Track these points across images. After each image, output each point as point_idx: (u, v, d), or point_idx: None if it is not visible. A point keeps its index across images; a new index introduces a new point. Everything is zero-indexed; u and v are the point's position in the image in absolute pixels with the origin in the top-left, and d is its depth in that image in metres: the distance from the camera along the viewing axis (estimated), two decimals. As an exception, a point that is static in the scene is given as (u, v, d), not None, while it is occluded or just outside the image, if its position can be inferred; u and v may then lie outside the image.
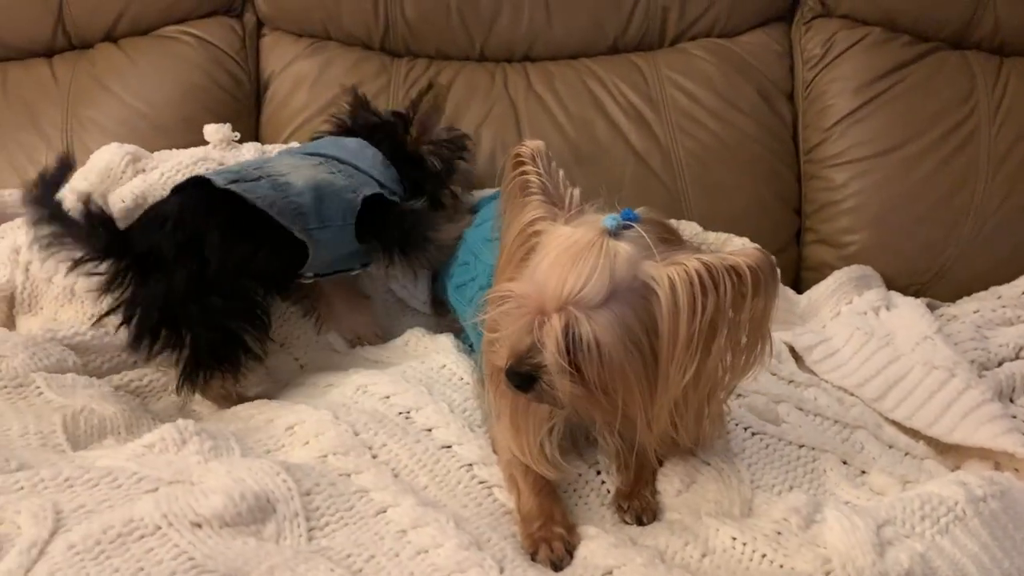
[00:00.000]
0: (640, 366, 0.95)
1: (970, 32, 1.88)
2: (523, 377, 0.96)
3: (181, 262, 1.22)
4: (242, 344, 1.26)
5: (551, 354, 0.94)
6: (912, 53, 1.86)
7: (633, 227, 0.97)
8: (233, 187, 1.27)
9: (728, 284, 0.93)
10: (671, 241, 1.03)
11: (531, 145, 1.05)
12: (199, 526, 0.95)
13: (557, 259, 0.94)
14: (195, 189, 1.32)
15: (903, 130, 1.82)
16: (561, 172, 1.07)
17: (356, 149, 1.47)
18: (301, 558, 0.94)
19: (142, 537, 0.93)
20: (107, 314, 1.26)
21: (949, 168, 1.80)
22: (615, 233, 0.95)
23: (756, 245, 0.99)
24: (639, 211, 1.01)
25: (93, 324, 1.33)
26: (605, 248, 0.93)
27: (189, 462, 1.05)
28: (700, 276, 0.93)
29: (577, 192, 1.05)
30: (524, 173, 1.04)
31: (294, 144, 1.67)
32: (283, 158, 1.44)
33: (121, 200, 1.45)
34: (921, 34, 1.88)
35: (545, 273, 0.94)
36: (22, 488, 0.99)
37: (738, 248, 0.98)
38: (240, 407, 1.28)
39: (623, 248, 0.94)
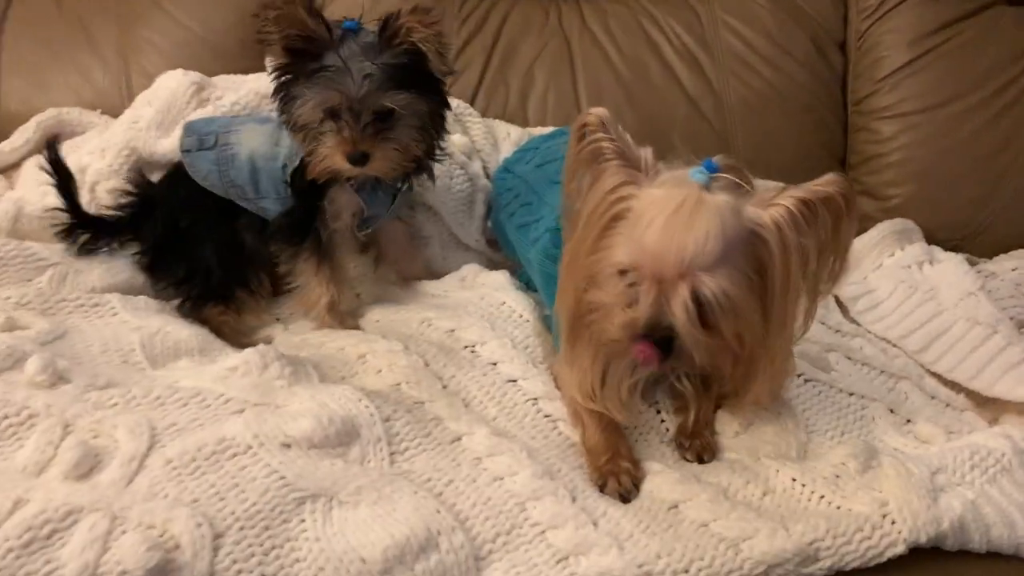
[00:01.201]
0: (759, 307, 1.00)
1: (1028, -12, 1.87)
2: (661, 344, 0.99)
3: (163, 212, 1.37)
4: (219, 279, 1.35)
5: (683, 321, 0.96)
6: (968, 8, 1.85)
7: (719, 176, 0.99)
8: (185, 156, 1.36)
9: (825, 214, 0.99)
10: (748, 181, 1.05)
11: (596, 112, 1.04)
12: (288, 447, 1.00)
13: (666, 225, 0.95)
14: None
15: (954, 86, 1.81)
16: (628, 136, 1.06)
17: None
18: (385, 480, 0.98)
19: (235, 455, 0.98)
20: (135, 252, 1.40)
21: (996, 126, 1.80)
22: (707, 186, 0.97)
23: (833, 172, 1.01)
24: (716, 160, 1.04)
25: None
26: (708, 206, 0.95)
27: (273, 386, 1.09)
28: (801, 212, 0.98)
29: (650, 152, 1.05)
30: (595, 141, 1.03)
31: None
32: (245, 122, 1.41)
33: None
34: (978, -12, 1.87)
35: (657, 241, 0.95)
36: (116, 404, 1.04)
37: (819, 180, 1.00)
38: (311, 335, 1.32)
39: (723, 201, 0.96)
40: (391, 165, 1.26)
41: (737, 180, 1.02)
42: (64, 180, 1.37)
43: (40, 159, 1.54)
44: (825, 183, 0.99)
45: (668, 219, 0.95)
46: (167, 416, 1.03)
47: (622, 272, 1.00)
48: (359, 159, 1.22)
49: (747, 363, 1.08)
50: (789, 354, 1.11)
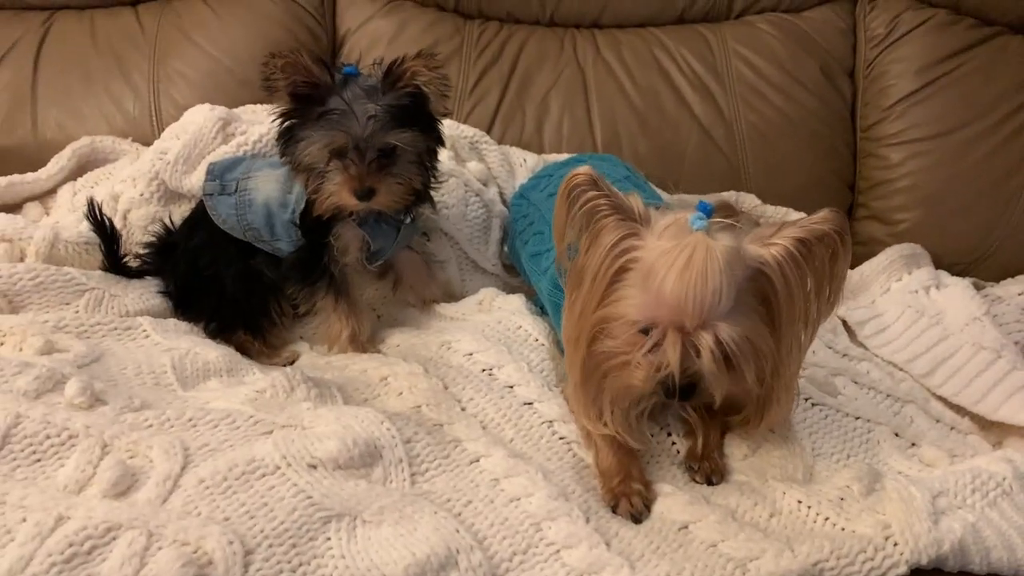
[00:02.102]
0: (770, 336, 1.05)
1: (1034, 17, 1.90)
2: (685, 391, 1.05)
3: (184, 255, 1.45)
4: (243, 310, 1.42)
5: (711, 368, 1.02)
6: (975, 37, 1.89)
7: (716, 220, 1.04)
8: (207, 199, 1.43)
9: (822, 250, 1.04)
10: (736, 214, 1.10)
11: (584, 171, 1.06)
12: (315, 467, 1.04)
13: (680, 279, 0.98)
14: None
15: (962, 113, 1.86)
16: (615, 187, 1.09)
17: None
18: (407, 500, 1.03)
19: (263, 476, 1.03)
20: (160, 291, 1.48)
21: (1004, 153, 1.84)
22: (708, 232, 1.01)
23: (828, 208, 1.06)
24: (708, 200, 1.08)
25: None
26: (716, 255, 0.98)
27: (299, 408, 1.14)
28: (799, 251, 1.03)
29: (639, 197, 1.09)
30: (588, 200, 1.06)
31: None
32: (262, 168, 1.46)
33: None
34: (985, 18, 1.91)
35: (674, 294, 0.99)
36: (151, 426, 1.09)
37: (814, 216, 1.05)
38: (335, 357, 1.37)
39: (728, 247, 1.00)
40: (394, 199, 1.32)
41: (728, 218, 1.07)
42: (106, 234, 1.46)
43: (75, 185, 1.63)
44: (821, 220, 1.04)
45: (681, 273, 0.99)
46: (199, 437, 1.08)
47: (643, 330, 1.04)
48: (365, 194, 1.28)
49: (764, 394, 1.12)
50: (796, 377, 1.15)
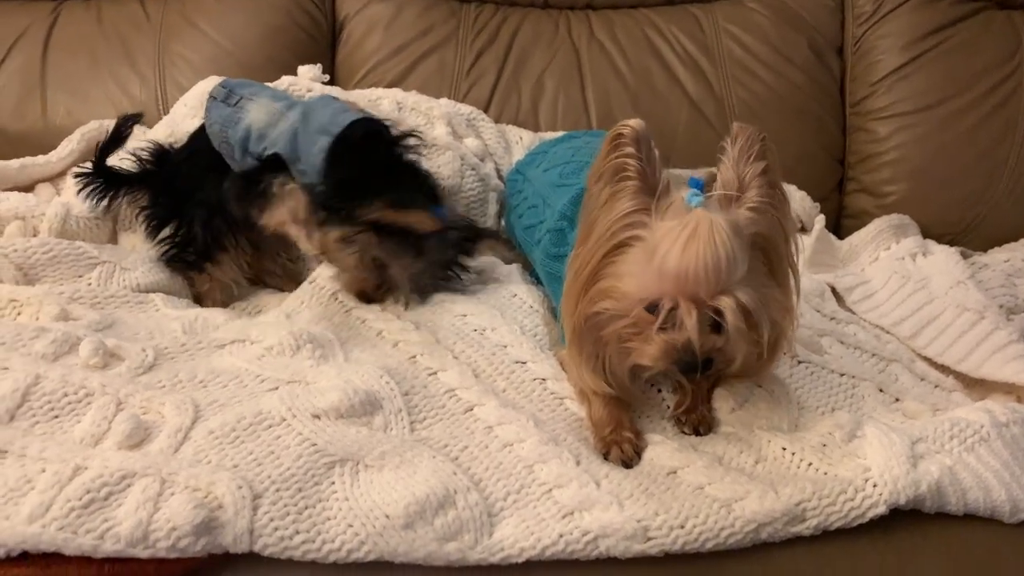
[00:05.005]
0: (776, 291, 1.10)
1: (1017, -8, 1.95)
2: (705, 364, 1.06)
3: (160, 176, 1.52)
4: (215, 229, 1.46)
5: (736, 329, 1.03)
6: (959, 12, 1.94)
7: (709, 194, 1.08)
8: (209, 102, 1.47)
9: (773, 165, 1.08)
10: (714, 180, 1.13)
11: (634, 125, 1.05)
12: (318, 417, 1.10)
13: (687, 252, 1.00)
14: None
15: (947, 87, 1.91)
16: (657, 152, 1.08)
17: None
18: (407, 445, 1.08)
19: (270, 426, 1.08)
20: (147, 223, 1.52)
21: (988, 125, 1.89)
22: (706, 207, 1.04)
23: (735, 125, 1.09)
24: (698, 175, 1.11)
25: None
26: (720, 225, 1.01)
27: (303, 365, 1.20)
28: (778, 190, 1.08)
29: (667, 176, 1.09)
30: (622, 155, 1.05)
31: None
32: (266, 96, 1.47)
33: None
34: (969, -7, 1.96)
35: (681, 267, 1.01)
36: (164, 387, 1.14)
37: (739, 144, 1.07)
38: (334, 308, 1.41)
39: (726, 219, 1.03)
40: None
41: (714, 192, 1.10)
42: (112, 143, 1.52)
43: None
44: (749, 141, 1.06)
45: (687, 246, 1.00)
46: (209, 395, 1.13)
47: (649, 307, 1.05)
48: None
49: (771, 348, 1.14)
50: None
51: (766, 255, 1.10)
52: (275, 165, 1.37)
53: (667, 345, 1.06)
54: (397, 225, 1.32)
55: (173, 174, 1.50)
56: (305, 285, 1.46)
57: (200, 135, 1.49)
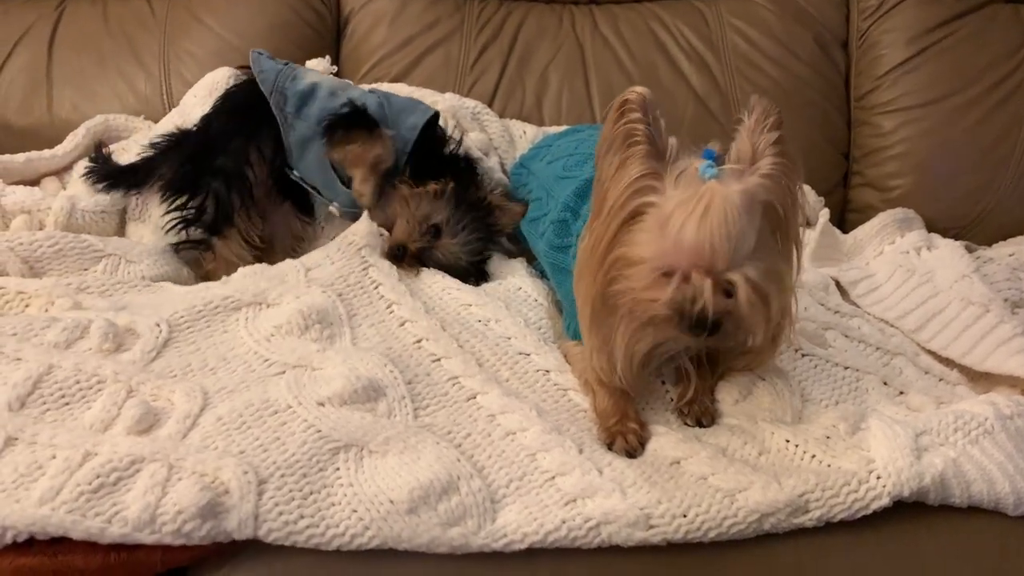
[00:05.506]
0: (785, 264, 1.10)
1: (1024, -14, 1.94)
2: (714, 326, 1.05)
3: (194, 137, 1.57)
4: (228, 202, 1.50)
5: (747, 303, 1.04)
6: (965, 6, 1.94)
7: (723, 165, 1.07)
8: (255, 53, 1.55)
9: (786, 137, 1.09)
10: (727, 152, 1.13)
11: (640, 91, 1.05)
12: (323, 404, 1.11)
13: (700, 228, 1.00)
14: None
15: (952, 81, 1.90)
16: (663, 121, 1.09)
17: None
18: (411, 432, 1.09)
19: (276, 413, 1.09)
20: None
21: (994, 119, 1.89)
22: (720, 179, 1.04)
23: (753, 97, 1.10)
24: (712, 148, 1.11)
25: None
26: (732, 200, 1.01)
27: (310, 349, 1.21)
28: (790, 159, 1.07)
29: (674, 142, 1.10)
30: (630, 121, 1.06)
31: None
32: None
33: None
34: (976, -13, 1.95)
35: (695, 241, 1.01)
36: (175, 375, 1.16)
37: (755, 115, 1.08)
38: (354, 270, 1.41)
39: (739, 190, 1.03)
40: None
41: (729, 163, 1.10)
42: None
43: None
44: (763, 113, 1.07)
45: (701, 221, 1.00)
46: (218, 382, 1.15)
47: (665, 273, 1.05)
48: None
49: (775, 329, 1.15)
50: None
51: (773, 228, 1.10)
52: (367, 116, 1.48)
53: (679, 295, 1.05)
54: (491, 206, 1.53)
55: (202, 130, 1.55)
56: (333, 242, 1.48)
57: (234, 94, 1.55)
